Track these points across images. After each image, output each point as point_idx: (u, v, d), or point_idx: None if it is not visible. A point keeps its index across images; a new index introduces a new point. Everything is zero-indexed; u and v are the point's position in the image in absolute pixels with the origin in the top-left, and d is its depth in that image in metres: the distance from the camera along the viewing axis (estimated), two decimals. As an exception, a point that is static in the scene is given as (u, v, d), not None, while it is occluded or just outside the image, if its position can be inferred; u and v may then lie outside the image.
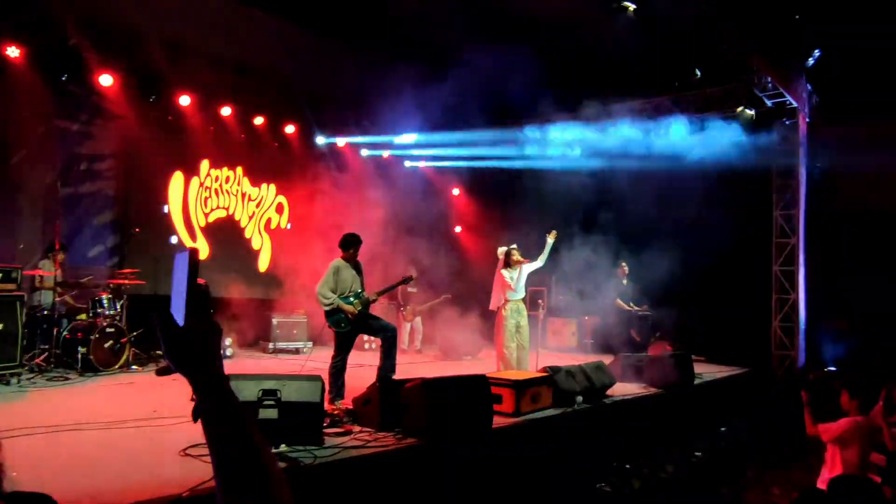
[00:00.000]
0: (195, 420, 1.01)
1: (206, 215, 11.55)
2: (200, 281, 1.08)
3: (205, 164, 11.51)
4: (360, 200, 12.31)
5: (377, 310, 8.00)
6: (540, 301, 9.43)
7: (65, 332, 7.84)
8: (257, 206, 12.44)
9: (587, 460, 6.40)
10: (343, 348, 6.42)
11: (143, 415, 5.19)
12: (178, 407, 5.34)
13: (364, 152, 13.50)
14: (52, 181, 9.44)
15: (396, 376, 6.19)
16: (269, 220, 12.62)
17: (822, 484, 4.46)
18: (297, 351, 10.58)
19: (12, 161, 8.98)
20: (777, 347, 11.14)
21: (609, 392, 7.40)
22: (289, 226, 12.84)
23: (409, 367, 8.71)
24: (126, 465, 4.10)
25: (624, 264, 11.47)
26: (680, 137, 11.75)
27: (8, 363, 6.81)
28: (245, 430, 0.98)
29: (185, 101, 10.41)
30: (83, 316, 8.21)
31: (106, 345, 7.80)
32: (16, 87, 8.73)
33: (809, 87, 11.77)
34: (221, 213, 11.81)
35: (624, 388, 7.81)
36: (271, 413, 4.44)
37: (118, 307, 8.27)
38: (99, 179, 10.09)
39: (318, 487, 4.14)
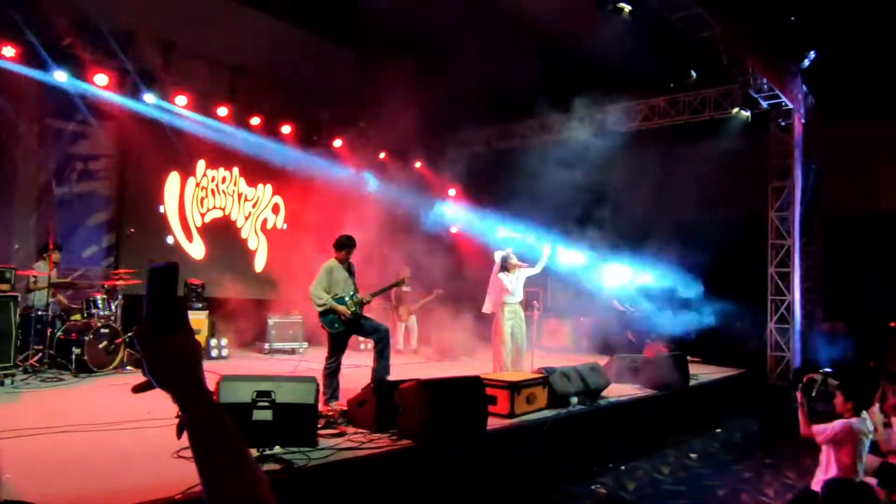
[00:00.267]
0: (179, 436, 1.01)
1: (203, 215, 11.52)
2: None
3: (201, 164, 11.48)
4: (357, 201, 12.29)
5: (372, 311, 8.01)
6: (535, 302, 9.43)
7: (59, 333, 7.81)
8: (253, 206, 12.42)
9: (582, 461, 6.40)
10: (337, 349, 6.41)
11: (137, 416, 5.17)
12: (173, 408, 5.28)
13: (358, 152, 13.45)
14: (46, 181, 9.41)
15: (391, 377, 6.18)
16: (265, 221, 12.60)
17: (816, 486, 4.47)
18: (292, 351, 10.57)
19: (6, 161, 8.95)
20: (772, 349, 11.16)
21: (604, 393, 7.40)
22: (285, 226, 12.82)
23: (404, 367, 8.70)
24: (120, 466, 4.09)
25: (620, 265, 11.48)
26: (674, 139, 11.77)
27: (1, 364, 6.77)
28: (232, 444, 0.98)
29: (181, 100, 10.38)
30: (77, 316, 8.19)
31: (100, 345, 7.77)
32: (10, 87, 8.70)
33: (805, 89, 11.80)
34: (218, 214, 11.79)
35: (619, 390, 7.81)
36: (266, 414, 4.43)
37: (113, 308, 8.25)
38: (94, 179, 10.07)
39: (313, 489, 4.13)
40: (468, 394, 5.41)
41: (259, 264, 12.41)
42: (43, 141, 9.41)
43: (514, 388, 6.04)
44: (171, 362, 1.01)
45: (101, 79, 9.35)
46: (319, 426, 4.91)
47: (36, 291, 7.97)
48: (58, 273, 8.32)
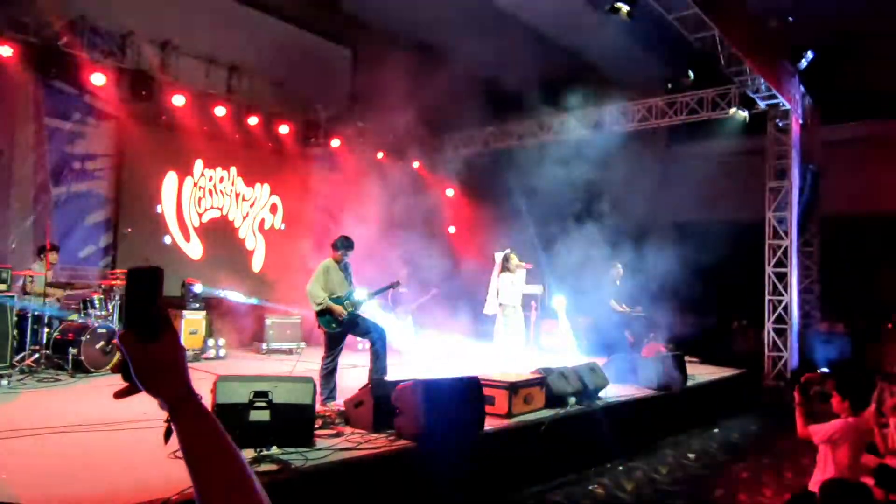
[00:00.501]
0: (166, 441, 1.00)
1: (200, 215, 11.51)
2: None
3: (198, 164, 11.47)
4: (354, 201, 12.28)
5: (368, 311, 7.99)
6: (533, 302, 9.43)
7: (56, 333, 7.78)
8: (251, 206, 12.40)
9: (580, 462, 6.40)
10: (334, 349, 6.41)
11: (133, 416, 5.15)
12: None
13: (357, 152, 13.44)
14: (43, 181, 9.39)
15: (389, 377, 6.17)
16: (262, 221, 12.59)
17: (814, 486, 4.46)
18: (290, 352, 10.55)
19: (3, 161, 8.93)
20: (770, 349, 11.17)
21: (602, 393, 7.40)
22: (283, 226, 12.80)
23: (402, 367, 8.69)
24: (115, 467, 4.08)
25: (619, 265, 11.48)
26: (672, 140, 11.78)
27: (-2, 364, 6.76)
28: (224, 449, 0.97)
29: (178, 100, 10.36)
30: (74, 317, 8.16)
31: (97, 346, 7.75)
32: (7, 86, 8.68)
33: (802, 89, 11.81)
34: (215, 214, 11.77)
35: (617, 390, 7.81)
36: (263, 415, 4.41)
37: (110, 308, 8.23)
38: (91, 179, 10.05)
39: (310, 490, 4.13)
40: (466, 394, 5.40)
41: (257, 264, 12.40)
42: (40, 141, 9.39)
43: (511, 388, 6.04)
44: (159, 367, 0.99)
45: (99, 78, 9.33)
46: (317, 426, 4.90)
47: (32, 294, 7.95)
48: (54, 273, 8.30)
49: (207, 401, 4.35)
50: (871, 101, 11.95)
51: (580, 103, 12.51)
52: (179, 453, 0.99)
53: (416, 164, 14.56)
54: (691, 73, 11.30)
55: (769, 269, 11.27)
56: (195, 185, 11.41)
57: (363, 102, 12.62)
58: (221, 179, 11.88)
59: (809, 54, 10.91)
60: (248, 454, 4.20)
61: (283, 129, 12.17)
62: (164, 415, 1.00)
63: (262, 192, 12.54)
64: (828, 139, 12.65)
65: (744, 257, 11.75)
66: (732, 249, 11.56)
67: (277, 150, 12.35)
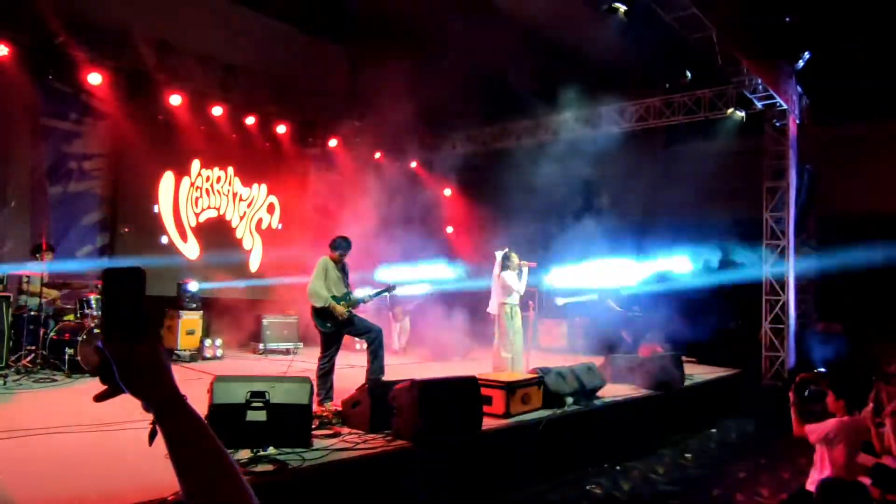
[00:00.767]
0: (151, 443, 0.99)
1: (197, 215, 11.49)
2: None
3: (195, 164, 11.45)
4: (352, 201, 12.27)
5: (367, 310, 7.97)
6: (531, 302, 9.42)
7: (52, 333, 7.75)
8: (248, 206, 12.39)
9: (577, 462, 6.40)
10: (330, 348, 6.39)
11: (129, 416, 5.14)
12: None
13: (354, 152, 13.44)
14: (40, 180, 9.36)
15: (386, 377, 6.17)
16: (260, 221, 12.57)
17: (811, 485, 4.47)
18: (287, 352, 10.53)
19: (0, 160, 8.90)
20: (767, 349, 11.18)
21: (600, 393, 7.40)
22: (280, 226, 12.79)
23: (399, 367, 8.69)
24: (111, 467, 4.07)
25: (617, 265, 11.49)
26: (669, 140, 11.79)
27: (-6, 364, 6.74)
28: (211, 450, 0.96)
29: (175, 100, 10.34)
30: (71, 317, 8.13)
31: (94, 346, 7.72)
32: (3, 86, 8.65)
33: (800, 89, 11.83)
34: (212, 213, 11.75)
35: (615, 390, 7.81)
36: (260, 415, 4.41)
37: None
38: (87, 179, 10.02)
39: (307, 490, 4.12)
40: (463, 394, 5.40)
41: (254, 264, 12.38)
42: (37, 140, 9.36)
43: (509, 388, 6.03)
44: (144, 368, 0.99)
45: (96, 77, 9.32)
46: (314, 427, 4.89)
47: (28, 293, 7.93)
48: (50, 274, 8.27)
49: (204, 401, 4.35)
50: (869, 100, 11.96)
51: (577, 103, 12.51)
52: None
53: (413, 164, 14.56)
54: (688, 73, 11.31)
55: (766, 269, 11.28)
56: (192, 184, 11.39)
57: (360, 102, 12.61)
58: (219, 179, 11.86)
59: (806, 54, 10.92)
60: (244, 454, 4.19)
61: (281, 129, 12.16)
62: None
63: (259, 191, 12.53)
64: (825, 139, 12.66)
65: (741, 257, 11.77)
66: (730, 249, 11.58)
67: (275, 149, 12.33)
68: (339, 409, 5.55)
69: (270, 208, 12.73)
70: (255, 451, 4.24)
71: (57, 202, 9.54)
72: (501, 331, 8.06)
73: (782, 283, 11.14)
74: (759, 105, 11.03)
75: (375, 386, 5.45)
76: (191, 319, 9.46)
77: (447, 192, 15.13)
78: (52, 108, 9.48)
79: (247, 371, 8.07)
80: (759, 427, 8.81)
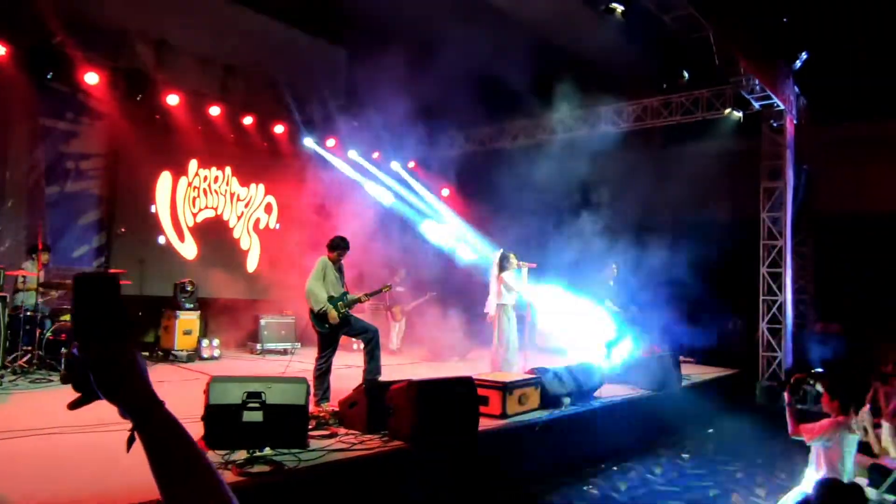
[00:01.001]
0: (129, 449, 0.98)
1: (195, 215, 11.47)
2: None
3: (193, 164, 11.43)
4: (349, 200, 12.27)
5: (364, 311, 7.99)
6: (529, 302, 9.42)
7: (48, 334, 7.74)
8: (246, 206, 12.37)
9: (574, 462, 6.40)
10: (327, 348, 6.38)
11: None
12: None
13: (352, 152, 13.43)
14: (37, 180, 9.34)
15: (383, 378, 6.16)
16: (257, 221, 12.56)
17: (807, 485, 4.47)
18: (284, 352, 10.52)
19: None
20: (764, 349, 11.19)
21: (597, 394, 7.40)
22: (277, 226, 12.77)
23: (396, 368, 8.68)
24: (106, 468, 4.05)
25: (615, 265, 11.48)
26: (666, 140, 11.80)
27: (-10, 365, 6.73)
28: (191, 454, 0.96)
29: (172, 100, 10.32)
30: (67, 317, 8.10)
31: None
32: (1, 85, 8.63)
33: (797, 90, 11.84)
34: (210, 214, 11.73)
35: (612, 390, 7.81)
36: (256, 416, 4.40)
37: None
38: (84, 178, 10.00)
39: (304, 491, 4.11)
40: (460, 394, 5.39)
41: (251, 264, 12.36)
42: (34, 140, 9.34)
43: (506, 388, 6.03)
44: (122, 374, 0.98)
45: (93, 77, 9.29)
46: (310, 427, 4.89)
47: (24, 292, 7.91)
48: (46, 274, 8.26)
49: (201, 401, 4.34)
50: (866, 101, 11.97)
51: (575, 103, 12.52)
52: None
53: (411, 164, 14.55)
54: (686, 74, 11.31)
55: (763, 269, 11.29)
56: (189, 184, 11.38)
57: (358, 102, 12.60)
58: (216, 179, 11.85)
59: (804, 54, 10.93)
60: (241, 455, 4.19)
61: (278, 129, 12.14)
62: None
63: (256, 191, 12.51)
64: (822, 139, 12.67)
65: (738, 257, 11.77)
66: (727, 249, 11.58)
67: (272, 149, 12.31)
68: (336, 409, 5.55)
69: (268, 208, 12.71)
70: (251, 451, 4.24)
71: (54, 202, 9.52)
72: (501, 331, 8.07)
73: (779, 284, 11.16)
74: (756, 105, 11.04)
75: (372, 386, 5.45)
76: (188, 319, 9.45)
77: (445, 191, 15.13)
78: (49, 108, 9.45)
79: (244, 371, 8.06)
80: (755, 427, 8.82)
